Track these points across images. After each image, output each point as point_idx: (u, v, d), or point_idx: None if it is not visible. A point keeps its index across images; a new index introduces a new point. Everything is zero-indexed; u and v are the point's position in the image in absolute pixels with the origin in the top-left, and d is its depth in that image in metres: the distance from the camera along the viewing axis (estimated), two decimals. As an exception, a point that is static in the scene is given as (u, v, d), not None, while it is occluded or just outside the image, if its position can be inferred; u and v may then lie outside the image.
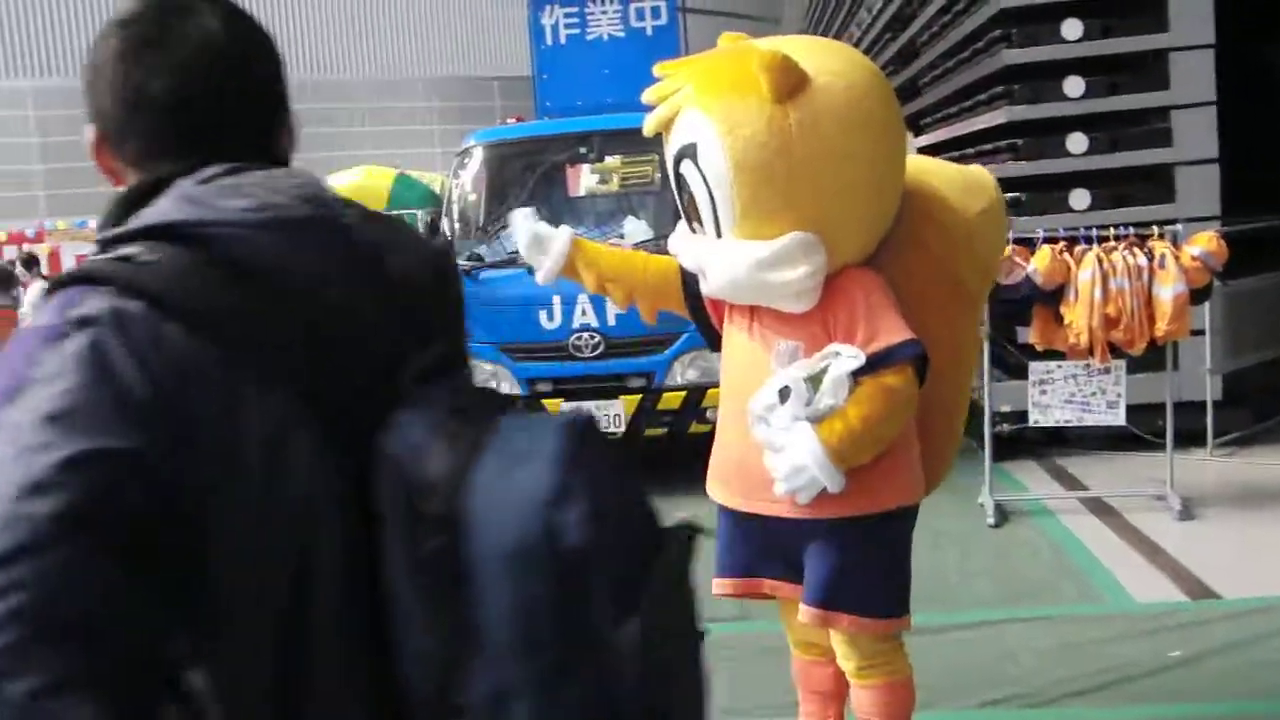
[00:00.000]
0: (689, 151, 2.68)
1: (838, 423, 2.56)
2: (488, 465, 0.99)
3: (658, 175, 6.65)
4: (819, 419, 2.56)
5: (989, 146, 7.42)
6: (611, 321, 6.27)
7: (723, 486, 2.91)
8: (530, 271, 6.31)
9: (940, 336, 2.79)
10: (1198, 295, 5.35)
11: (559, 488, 0.97)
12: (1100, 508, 5.77)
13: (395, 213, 17.78)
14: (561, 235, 3.11)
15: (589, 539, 0.96)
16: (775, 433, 2.59)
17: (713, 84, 2.66)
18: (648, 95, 2.80)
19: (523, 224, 3.13)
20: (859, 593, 2.74)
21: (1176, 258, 5.26)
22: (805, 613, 2.78)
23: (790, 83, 2.55)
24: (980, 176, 3.02)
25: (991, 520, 5.60)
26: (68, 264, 17.74)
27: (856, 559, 2.73)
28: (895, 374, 2.61)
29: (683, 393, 6.27)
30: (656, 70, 2.82)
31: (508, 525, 0.97)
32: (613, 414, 6.29)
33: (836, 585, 2.73)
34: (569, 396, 6.37)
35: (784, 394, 2.58)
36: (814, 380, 2.57)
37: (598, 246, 3.25)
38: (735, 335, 2.89)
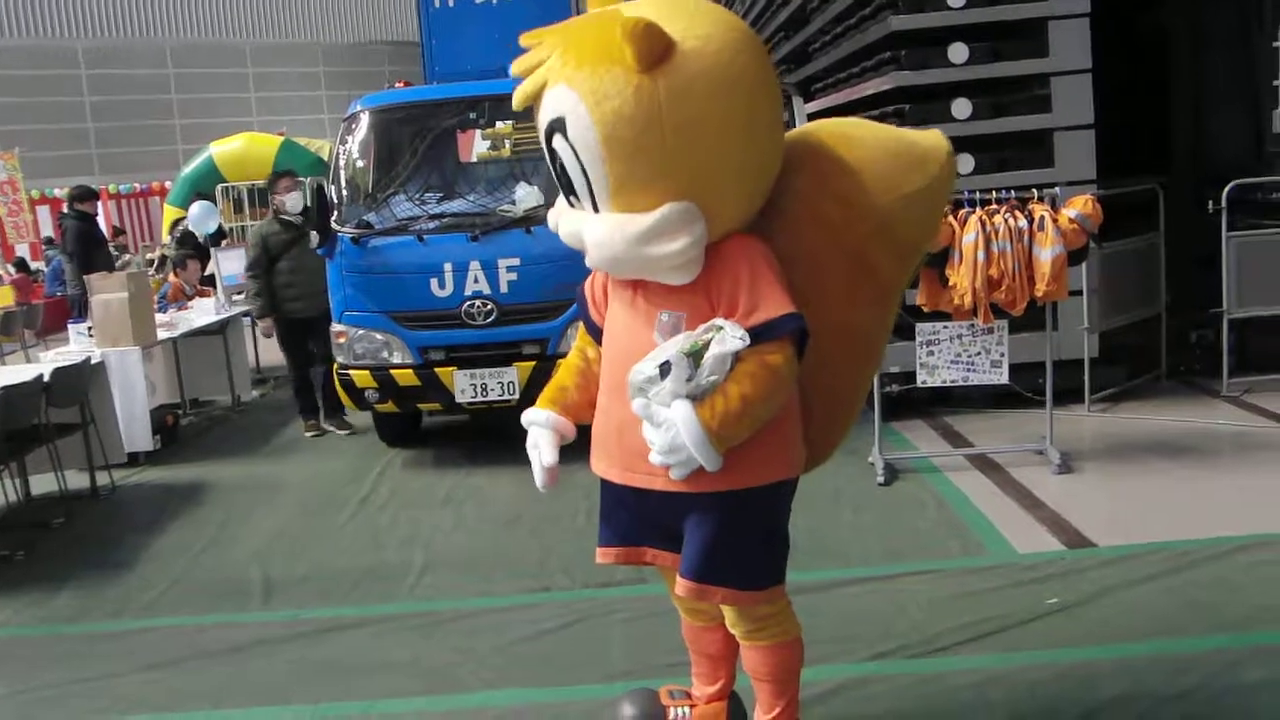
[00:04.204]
0: (558, 126, 2.57)
1: (718, 402, 2.52)
2: None
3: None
4: (700, 396, 2.53)
5: (877, 112, 7.51)
6: (504, 289, 6.22)
7: (603, 458, 2.87)
8: (420, 239, 6.28)
9: (835, 320, 2.73)
10: (1075, 257, 5.52)
11: None
12: (985, 463, 5.96)
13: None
14: (545, 426, 2.92)
15: None
16: (654, 408, 2.56)
17: (577, 54, 2.53)
18: (515, 67, 2.66)
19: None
20: (733, 566, 2.74)
21: (1055, 220, 5.42)
22: (681, 585, 2.79)
23: (655, 50, 2.45)
24: (927, 151, 2.81)
25: (881, 478, 5.73)
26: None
27: (732, 533, 2.73)
28: (776, 350, 2.57)
29: (578, 359, 6.23)
30: (523, 40, 2.68)
31: None
32: (507, 381, 6.24)
33: (711, 559, 2.73)
34: (463, 365, 6.30)
35: (665, 369, 2.53)
36: (695, 355, 2.53)
37: (565, 389, 3.00)
38: (617, 305, 2.83)
